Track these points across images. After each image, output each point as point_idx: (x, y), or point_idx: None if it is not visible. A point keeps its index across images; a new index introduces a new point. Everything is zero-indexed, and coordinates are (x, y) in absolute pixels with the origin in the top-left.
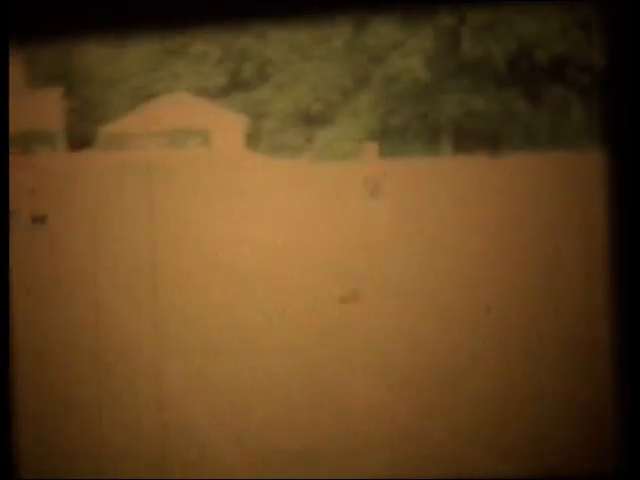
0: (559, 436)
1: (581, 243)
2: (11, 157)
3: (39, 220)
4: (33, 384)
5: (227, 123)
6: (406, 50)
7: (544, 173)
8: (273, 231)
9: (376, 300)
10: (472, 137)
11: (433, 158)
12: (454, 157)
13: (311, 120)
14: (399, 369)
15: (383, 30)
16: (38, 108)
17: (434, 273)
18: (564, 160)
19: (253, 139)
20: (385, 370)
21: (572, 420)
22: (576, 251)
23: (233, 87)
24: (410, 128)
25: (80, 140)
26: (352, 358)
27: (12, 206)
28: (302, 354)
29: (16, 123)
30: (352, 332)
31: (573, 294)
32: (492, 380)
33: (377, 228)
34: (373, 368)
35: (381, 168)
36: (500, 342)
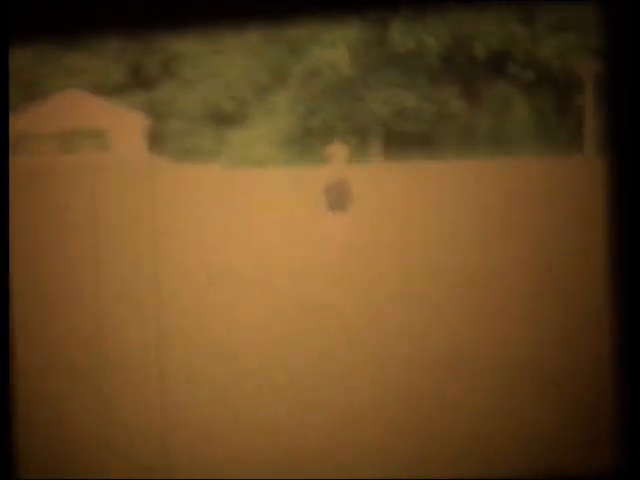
0: (559, 436)
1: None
2: None
3: None
4: (35, 386)
5: (128, 124)
6: (329, 41)
7: (489, 178)
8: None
9: (373, 299)
10: (404, 139)
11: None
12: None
13: (224, 121)
14: (399, 369)
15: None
16: None
17: (429, 276)
18: (509, 164)
19: (158, 142)
20: (385, 370)
21: (572, 420)
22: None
23: (135, 83)
24: (334, 129)
25: None
26: (353, 360)
27: None
28: (304, 358)
29: None
30: (353, 334)
31: (572, 295)
32: (492, 380)
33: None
34: (374, 369)
35: (351, 174)
36: (501, 342)
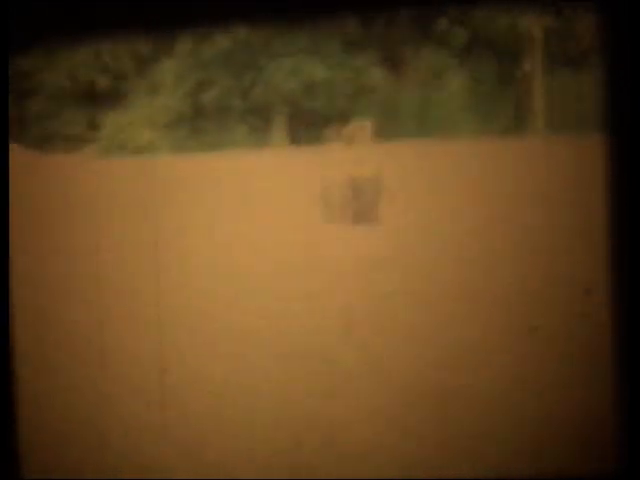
0: (559, 437)
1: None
2: None
3: None
4: (36, 385)
5: None
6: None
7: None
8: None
9: (371, 299)
10: (313, 119)
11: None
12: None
13: (96, 99)
14: (401, 369)
15: None
16: None
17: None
18: (441, 147)
19: (15, 126)
20: (387, 371)
21: (572, 421)
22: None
23: None
24: (230, 108)
25: None
26: (353, 361)
27: None
28: (303, 358)
29: None
30: (353, 335)
31: (572, 294)
32: (492, 381)
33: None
34: (374, 369)
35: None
36: (502, 343)
